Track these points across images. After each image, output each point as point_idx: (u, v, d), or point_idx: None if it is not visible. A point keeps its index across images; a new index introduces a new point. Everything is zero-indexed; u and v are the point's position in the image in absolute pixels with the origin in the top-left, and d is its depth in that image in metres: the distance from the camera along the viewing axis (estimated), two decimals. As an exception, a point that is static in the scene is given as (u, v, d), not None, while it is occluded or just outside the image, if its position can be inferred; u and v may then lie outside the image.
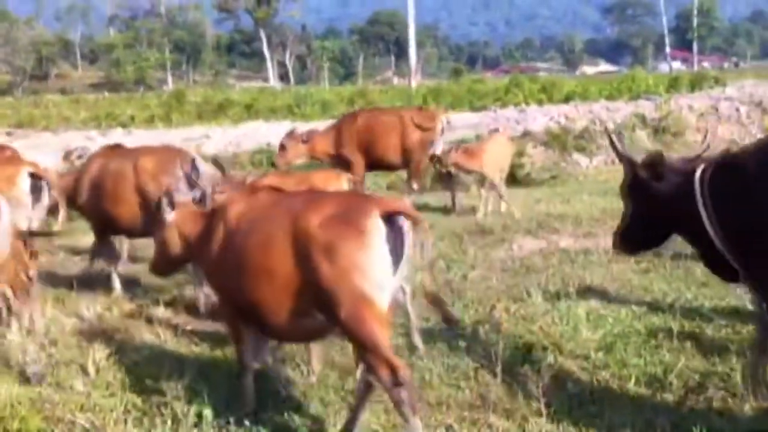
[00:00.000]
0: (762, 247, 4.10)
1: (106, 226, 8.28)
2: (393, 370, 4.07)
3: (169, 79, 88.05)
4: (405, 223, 4.25)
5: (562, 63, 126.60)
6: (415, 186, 12.16)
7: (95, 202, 8.13)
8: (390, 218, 4.22)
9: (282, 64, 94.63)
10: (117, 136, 24.66)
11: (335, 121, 12.92)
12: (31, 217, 7.41)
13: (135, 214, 7.77)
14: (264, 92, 48.77)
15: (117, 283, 8.19)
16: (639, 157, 4.66)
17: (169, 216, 5.33)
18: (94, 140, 22.78)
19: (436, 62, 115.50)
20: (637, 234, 4.83)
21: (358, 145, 11.85)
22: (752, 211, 4.11)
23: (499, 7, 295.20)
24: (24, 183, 7.49)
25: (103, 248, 8.47)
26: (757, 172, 4.14)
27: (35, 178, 7.60)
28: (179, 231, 5.30)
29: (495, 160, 11.42)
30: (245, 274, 4.56)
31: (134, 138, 25.37)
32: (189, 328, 6.78)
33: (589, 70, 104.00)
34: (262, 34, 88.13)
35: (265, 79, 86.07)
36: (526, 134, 18.98)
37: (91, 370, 5.77)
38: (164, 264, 5.66)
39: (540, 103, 29.22)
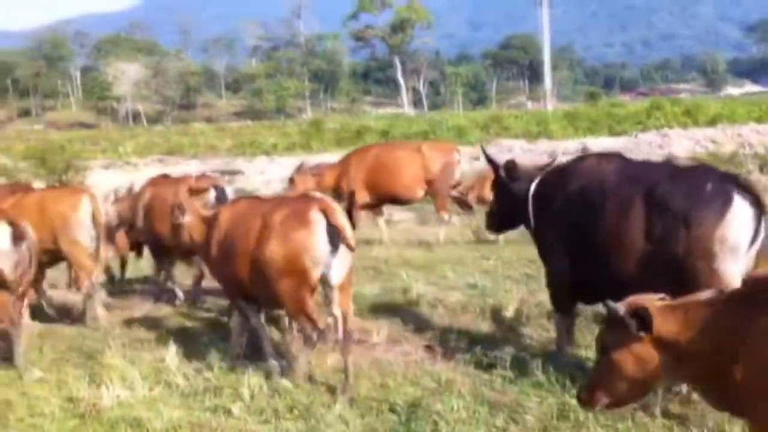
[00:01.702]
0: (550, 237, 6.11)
1: (158, 246, 9.40)
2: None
3: (308, 107, 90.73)
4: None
5: (704, 84, 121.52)
6: (445, 217, 12.00)
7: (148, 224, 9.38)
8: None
9: (416, 90, 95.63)
10: (261, 163, 25.60)
11: (345, 155, 12.87)
12: (92, 236, 8.48)
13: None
14: (399, 118, 49.43)
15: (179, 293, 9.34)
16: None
17: (184, 220, 6.90)
18: (240, 167, 23.78)
19: (570, 85, 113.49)
20: (498, 218, 6.79)
21: (366, 180, 11.78)
22: (549, 211, 6.07)
23: (636, 27, 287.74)
24: (86, 207, 8.46)
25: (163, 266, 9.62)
26: (553, 183, 6.10)
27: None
28: (189, 232, 6.93)
29: None
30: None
31: (276, 165, 26.33)
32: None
33: (734, 91, 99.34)
34: (397, 62, 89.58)
35: (400, 105, 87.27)
36: (669, 159, 18.31)
37: (246, 395, 5.93)
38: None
39: (684, 126, 28.14)
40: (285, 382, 6.07)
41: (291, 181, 12.06)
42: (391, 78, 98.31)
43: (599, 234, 5.64)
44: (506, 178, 6.42)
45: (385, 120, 46.44)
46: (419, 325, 7.49)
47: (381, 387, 5.93)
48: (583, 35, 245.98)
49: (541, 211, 6.16)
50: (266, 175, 23.71)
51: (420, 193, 11.97)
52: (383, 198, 12.09)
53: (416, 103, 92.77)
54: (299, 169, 12.15)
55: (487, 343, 6.59)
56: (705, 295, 3.45)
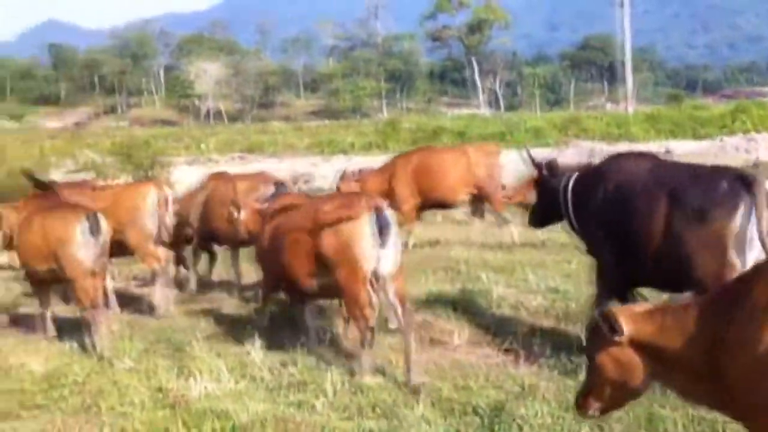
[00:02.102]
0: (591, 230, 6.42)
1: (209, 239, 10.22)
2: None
3: (384, 106, 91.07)
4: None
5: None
6: (506, 216, 11.88)
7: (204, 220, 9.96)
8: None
9: (492, 91, 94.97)
10: (339, 162, 25.85)
11: (388, 160, 12.72)
12: (161, 225, 9.23)
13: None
14: (475, 119, 49.21)
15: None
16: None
17: (240, 215, 7.70)
18: (318, 166, 24.04)
19: (651, 87, 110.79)
20: (539, 213, 7.21)
21: (412, 184, 11.65)
22: (584, 206, 6.42)
23: (720, 28, 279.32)
24: (152, 197, 9.20)
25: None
26: (588, 180, 6.47)
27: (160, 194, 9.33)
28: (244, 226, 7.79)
29: None
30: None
31: (353, 164, 26.49)
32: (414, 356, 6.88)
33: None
34: (474, 62, 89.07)
35: (475, 106, 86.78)
36: (756, 164, 17.76)
37: (329, 391, 6.00)
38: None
39: (772, 130, 27.23)
40: (368, 380, 6.13)
41: (337, 189, 11.96)
42: (466, 78, 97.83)
43: (629, 229, 6.02)
44: (548, 176, 6.88)
45: (461, 121, 46.30)
46: (500, 328, 7.41)
47: (463, 389, 5.91)
48: (664, 35, 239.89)
49: (578, 206, 6.57)
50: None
51: (464, 196, 11.84)
52: (427, 202, 11.98)
53: (492, 103, 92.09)
54: (342, 176, 12.19)
55: (571, 349, 6.49)
56: (684, 299, 3.52)
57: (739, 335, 3.13)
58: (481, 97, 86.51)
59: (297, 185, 12.34)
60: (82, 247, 7.54)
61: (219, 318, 8.50)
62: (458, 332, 7.24)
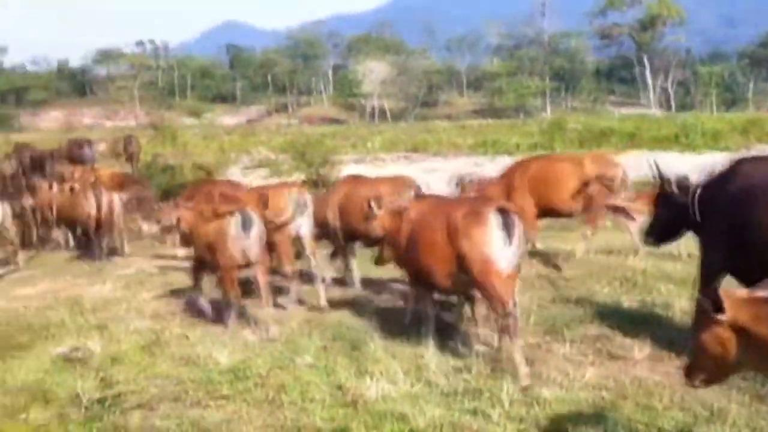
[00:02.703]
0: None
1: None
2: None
3: (548, 105, 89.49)
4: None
5: None
6: (588, 233, 11.53)
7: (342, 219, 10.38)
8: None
9: (663, 90, 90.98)
10: (504, 162, 25.64)
11: (506, 169, 12.35)
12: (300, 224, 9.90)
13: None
14: (645, 120, 47.13)
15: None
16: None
17: (377, 213, 7.97)
18: (483, 166, 23.90)
19: None
20: (659, 229, 7.38)
21: (530, 193, 11.29)
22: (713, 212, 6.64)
23: None
24: (291, 198, 9.83)
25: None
26: (714, 193, 6.67)
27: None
28: (382, 225, 7.99)
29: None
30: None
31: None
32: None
33: None
34: (645, 60, 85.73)
35: (643, 105, 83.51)
36: None
37: (505, 401, 5.94)
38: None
39: None
40: (545, 392, 6.03)
41: None
42: (635, 77, 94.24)
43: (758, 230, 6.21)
44: (676, 190, 7.03)
45: (630, 121, 44.42)
46: (683, 344, 7.05)
47: (646, 409, 5.69)
48: None
49: (706, 213, 6.75)
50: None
51: (578, 207, 11.48)
52: (543, 211, 11.64)
53: (662, 103, 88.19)
54: (458, 184, 12.17)
55: (763, 372, 6.10)
56: None
57: None
58: (651, 96, 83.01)
59: (462, 186, 12.26)
60: (234, 241, 8.36)
61: (391, 317, 8.62)
62: (638, 347, 6.98)
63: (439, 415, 5.73)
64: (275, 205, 9.67)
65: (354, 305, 9.39)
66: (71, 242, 15.98)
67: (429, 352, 7.05)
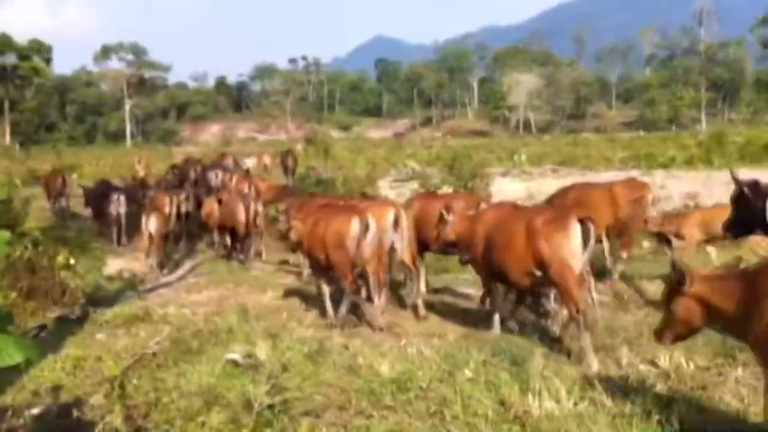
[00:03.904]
0: None
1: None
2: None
3: (703, 117, 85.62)
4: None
5: None
6: (624, 255, 12.07)
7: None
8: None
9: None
10: (659, 177, 24.74)
11: (549, 196, 13.10)
12: (394, 239, 10.47)
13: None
14: (814, 133, 44.09)
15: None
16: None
17: (449, 218, 9.30)
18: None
19: None
20: (735, 226, 7.42)
21: None
22: None
23: None
24: (390, 217, 10.41)
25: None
26: None
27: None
28: (455, 232, 9.23)
29: (697, 224, 11.61)
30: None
31: (675, 179, 25.22)
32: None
33: None
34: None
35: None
36: None
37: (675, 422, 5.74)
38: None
39: None
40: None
41: None
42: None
43: None
44: (750, 194, 7.24)
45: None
46: None
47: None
48: None
49: None
50: (666, 189, 22.77)
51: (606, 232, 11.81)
52: None
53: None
54: None
55: None
56: (736, 269, 5.06)
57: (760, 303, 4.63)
58: (821, 108, 77.69)
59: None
60: (354, 243, 9.54)
61: (547, 333, 8.52)
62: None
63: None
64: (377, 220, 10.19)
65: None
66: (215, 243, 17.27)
67: (592, 371, 6.91)
